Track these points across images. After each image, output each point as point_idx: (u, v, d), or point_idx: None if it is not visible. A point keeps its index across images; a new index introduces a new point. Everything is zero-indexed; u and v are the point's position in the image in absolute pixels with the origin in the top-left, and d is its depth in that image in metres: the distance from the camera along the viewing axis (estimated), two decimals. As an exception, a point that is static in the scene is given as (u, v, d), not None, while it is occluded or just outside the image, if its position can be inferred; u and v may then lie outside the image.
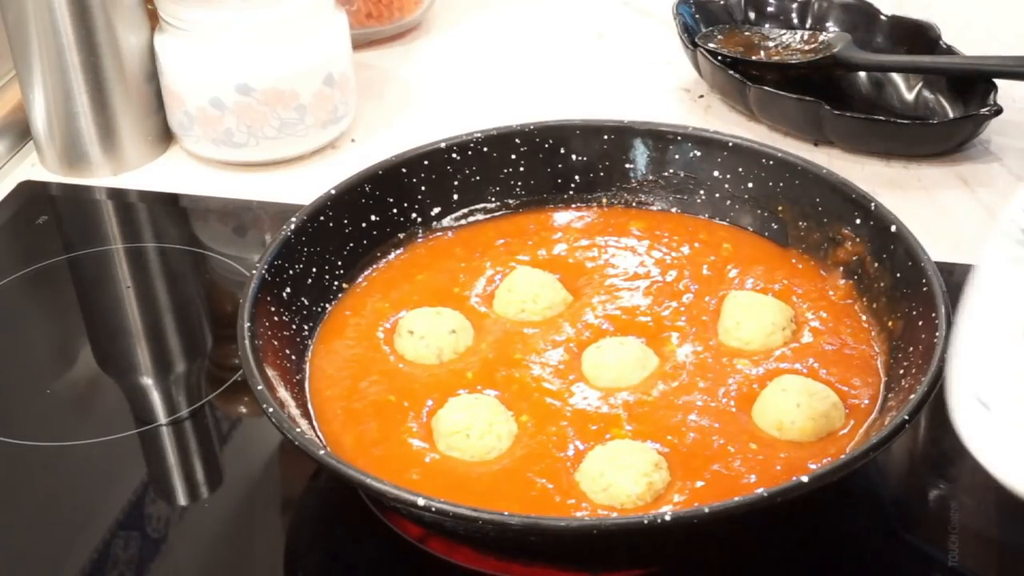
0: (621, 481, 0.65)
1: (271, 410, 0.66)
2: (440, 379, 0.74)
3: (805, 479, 0.61)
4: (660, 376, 0.73)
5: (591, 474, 0.66)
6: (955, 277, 0.84)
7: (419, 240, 0.85)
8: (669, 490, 0.66)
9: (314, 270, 0.80)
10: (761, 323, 0.75)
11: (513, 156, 0.87)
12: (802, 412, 0.69)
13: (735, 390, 0.72)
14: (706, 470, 0.67)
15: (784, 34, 1.09)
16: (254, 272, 0.75)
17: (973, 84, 1.00)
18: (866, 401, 0.71)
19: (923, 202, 0.94)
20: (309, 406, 0.73)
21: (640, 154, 0.87)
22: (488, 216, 0.87)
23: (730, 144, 0.85)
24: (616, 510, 0.65)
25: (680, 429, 0.69)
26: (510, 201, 0.87)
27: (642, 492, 0.65)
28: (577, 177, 0.88)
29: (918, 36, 1.06)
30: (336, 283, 0.81)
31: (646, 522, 0.60)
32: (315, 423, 0.71)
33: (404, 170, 0.85)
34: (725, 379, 0.73)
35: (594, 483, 0.66)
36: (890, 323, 0.74)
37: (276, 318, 0.75)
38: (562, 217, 0.87)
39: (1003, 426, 0.52)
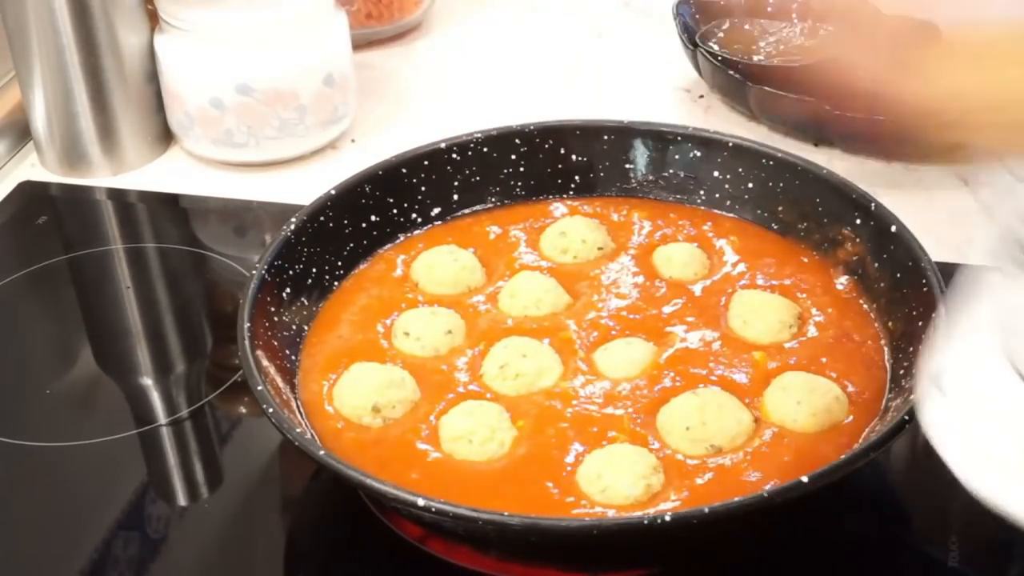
0: (619, 484, 0.65)
1: (271, 410, 0.66)
2: (438, 380, 0.74)
3: (805, 479, 0.61)
4: (664, 375, 0.73)
5: (589, 476, 0.66)
6: (955, 277, 0.85)
7: (417, 233, 0.85)
8: (670, 487, 0.66)
9: (314, 270, 0.80)
10: (768, 322, 0.75)
11: (513, 156, 0.87)
12: (803, 409, 0.69)
13: (741, 386, 0.72)
14: (708, 467, 0.67)
15: (785, 27, 1.09)
16: (254, 272, 0.75)
17: (973, 84, 1.00)
18: (867, 397, 0.71)
19: (923, 202, 0.94)
20: (304, 404, 0.73)
21: (640, 154, 0.87)
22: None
23: (730, 144, 0.85)
24: (615, 506, 0.65)
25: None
26: (510, 202, 0.87)
27: (639, 495, 0.65)
28: (577, 177, 0.88)
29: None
30: (336, 283, 0.81)
31: (646, 522, 0.60)
32: (313, 422, 0.71)
33: (404, 170, 0.85)
34: (731, 376, 0.73)
35: (591, 485, 0.66)
36: (890, 323, 0.74)
37: (276, 318, 0.75)
38: (561, 210, 0.87)
39: (952, 410, 0.55)
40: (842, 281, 0.79)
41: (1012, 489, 0.51)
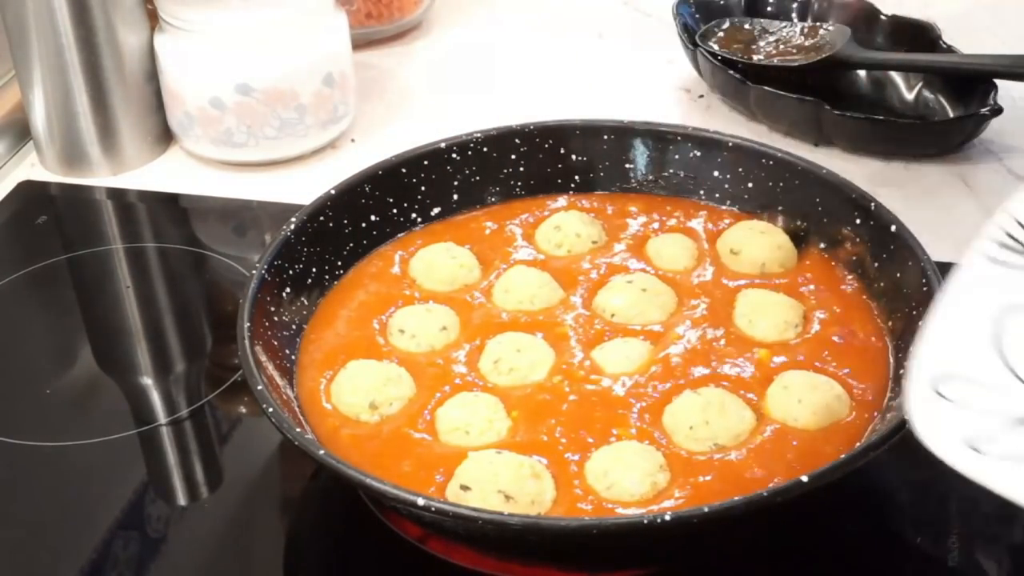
0: (625, 481, 0.65)
1: (271, 410, 0.66)
2: (434, 375, 0.74)
3: (804, 479, 0.61)
4: (668, 373, 0.73)
5: (595, 473, 0.66)
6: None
7: (415, 230, 0.85)
8: (674, 484, 0.66)
9: (314, 270, 0.80)
10: (774, 321, 0.75)
11: (513, 156, 0.87)
12: (804, 408, 0.69)
13: (744, 384, 0.72)
14: (713, 464, 0.67)
15: (785, 26, 1.09)
16: (254, 272, 0.75)
17: (973, 84, 1.00)
18: (870, 397, 0.71)
19: (923, 202, 0.94)
20: (300, 401, 0.73)
21: (640, 154, 0.87)
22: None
23: (730, 144, 0.85)
24: (621, 503, 0.65)
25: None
26: (510, 201, 0.87)
27: (645, 492, 0.65)
28: (577, 177, 0.88)
29: (918, 36, 1.06)
30: (336, 283, 0.81)
31: (646, 522, 0.60)
32: (310, 418, 0.71)
33: (404, 170, 0.85)
34: (734, 373, 0.73)
35: (598, 482, 0.66)
36: (891, 322, 0.75)
37: (276, 318, 0.75)
38: (558, 204, 0.87)
39: (945, 408, 0.54)
40: (848, 279, 0.79)
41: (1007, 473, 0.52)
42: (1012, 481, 0.52)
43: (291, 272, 0.78)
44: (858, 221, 0.78)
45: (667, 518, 0.59)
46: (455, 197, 0.86)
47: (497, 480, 0.65)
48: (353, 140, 1.06)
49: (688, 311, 0.77)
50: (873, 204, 0.78)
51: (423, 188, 0.85)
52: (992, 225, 0.62)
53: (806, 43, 1.06)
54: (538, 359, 0.74)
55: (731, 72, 1.03)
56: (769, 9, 1.13)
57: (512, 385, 0.72)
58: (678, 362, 0.73)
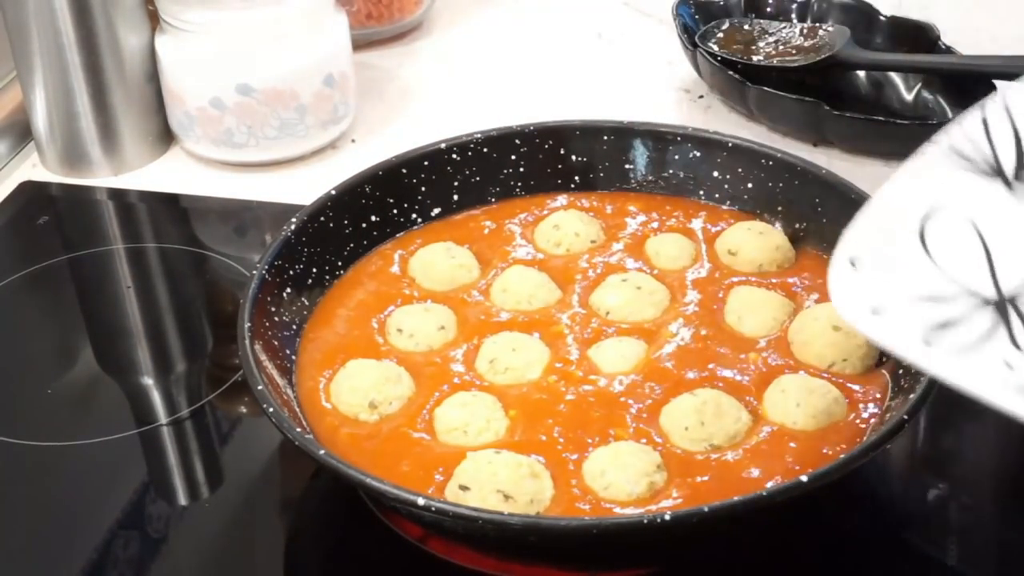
0: (621, 481, 0.65)
1: (271, 410, 0.66)
2: (432, 375, 0.74)
3: (804, 479, 0.61)
4: (664, 373, 0.73)
5: (592, 473, 0.66)
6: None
7: (415, 229, 0.85)
8: (671, 484, 0.66)
9: (314, 270, 0.80)
10: (763, 319, 0.75)
11: (513, 156, 0.87)
12: (802, 411, 0.69)
13: (740, 384, 0.72)
14: (710, 464, 0.67)
15: (784, 27, 1.09)
16: (254, 272, 0.75)
17: (973, 84, 1.00)
18: (869, 397, 0.71)
19: (923, 202, 0.94)
20: (299, 400, 0.73)
21: (640, 154, 0.87)
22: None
23: (729, 144, 0.85)
24: (619, 503, 0.65)
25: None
26: (510, 200, 0.87)
27: (642, 492, 0.65)
28: (577, 178, 0.88)
29: (918, 36, 1.06)
30: (336, 282, 0.81)
31: (646, 522, 0.60)
32: (309, 417, 0.71)
33: (404, 170, 0.85)
34: (729, 373, 0.72)
35: (595, 482, 0.66)
36: (889, 323, 0.74)
37: (276, 318, 0.75)
38: (557, 203, 0.87)
39: (861, 279, 0.59)
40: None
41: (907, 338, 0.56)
42: (905, 343, 0.56)
43: (291, 272, 0.78)
44: (858, 221, 0.78)
45: (667, 518, 0.59)
46: (455, 197, 0.86)
47: (496, 480, 0.65)
48: (353, 140, 1.06)
49: (681, 308, 0.77)
50: (873, 204, 0.78)
51: (423, 188, 0.85)
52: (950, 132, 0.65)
53: (806, 44, 1.06)
54: (533, 358, 0.74)
55: (731, 73, 1.03)
56: (769, 10, 1.13)
57: (508, 384, 0.73)
58: (674, 361, 0.73)
